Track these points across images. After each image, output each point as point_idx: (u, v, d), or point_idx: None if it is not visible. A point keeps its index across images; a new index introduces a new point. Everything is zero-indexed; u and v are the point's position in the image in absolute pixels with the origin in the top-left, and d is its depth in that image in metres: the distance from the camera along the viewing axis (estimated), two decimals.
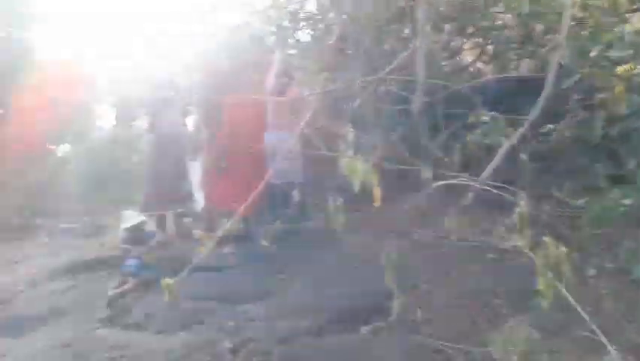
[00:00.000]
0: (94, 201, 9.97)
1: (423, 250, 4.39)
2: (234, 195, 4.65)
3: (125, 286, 4.57)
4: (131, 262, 4.58)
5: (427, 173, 2.98)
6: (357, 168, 2.18)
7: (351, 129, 2.35)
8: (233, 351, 3.32)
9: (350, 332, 3.46)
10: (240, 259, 4.69)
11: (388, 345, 3.21)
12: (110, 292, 4.44)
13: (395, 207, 4.95)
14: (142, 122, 13.68)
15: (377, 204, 2.27)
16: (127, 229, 4.61)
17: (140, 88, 13.02)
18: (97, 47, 12.70)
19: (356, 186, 2.24)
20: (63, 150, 12.27)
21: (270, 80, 4.84)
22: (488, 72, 5.91)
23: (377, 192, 2.24)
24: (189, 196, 5.43)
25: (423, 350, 3.09)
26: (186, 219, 5.59)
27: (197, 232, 5.17)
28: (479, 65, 6.14)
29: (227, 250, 4.84)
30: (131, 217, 4.80)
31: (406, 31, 5.51)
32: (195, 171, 5.27)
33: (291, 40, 6.44)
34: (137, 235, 4.68)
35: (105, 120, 13.37)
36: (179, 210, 5.35)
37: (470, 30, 5.71)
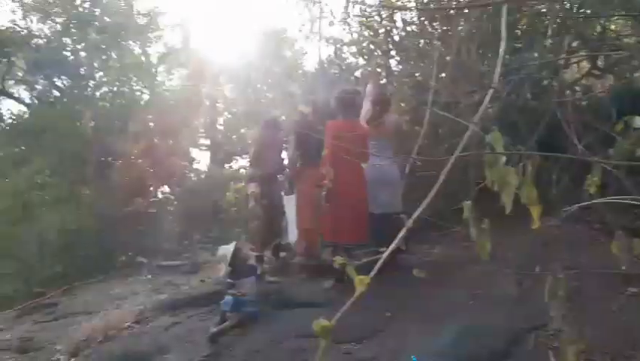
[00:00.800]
0: (192, 240, 10.21)
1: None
2: (336, 227, 4.43)
3: (227, 323, 4.41)
4: (232, 298, 4.42)
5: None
6: (511, 179, 1.75)
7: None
8: None
9: None
10: (344, 296, 4.37)
11: None
12: (212, 329, 4.29)
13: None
14: (235, 164, 14.21)
15: (536, 226, 1.81)
16: (230, 264, 4.49)
17: (236, 129, 13.48)
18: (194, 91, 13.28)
19: (508, 206, 1.79)
20: (163, 191, 12.73)
21: (367, 109, 4.62)
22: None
23: (537, 211, 1.80)
24: (285, 230, 5.28)
25: None
26: (282, 253, 5.40)
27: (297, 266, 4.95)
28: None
29: (326, 284, 4.56)
30: (231, 252, 4.68)
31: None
32: (289, 205, 5.11)
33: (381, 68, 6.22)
34: (239, 270, 4.54)
35: (201, 163, 13.87)
36: (279, 243, 5.19)
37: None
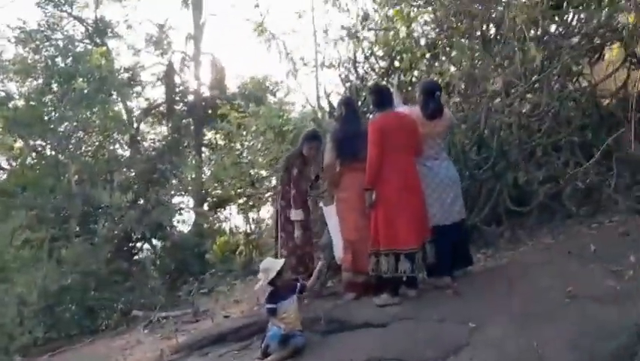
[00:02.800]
0: (186, 290, 9.29)
1: None
2: (391, 232, 3.79)
3: (271, 358, 3.63)
4: (279, 330, 3.66)
5: None
6: None
7: None
8: None
9: None
10: (408, 310, 3.67)
11: None
12: None
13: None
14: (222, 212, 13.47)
15: None
16: (271, 282, 3.74)
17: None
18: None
19: None
20: (150, 243, 11.92)
21: (415, 111, 4.08)
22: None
23: None
24: (329, 246, 4.58)
25: None
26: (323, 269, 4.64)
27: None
28: None
29: (379, 301, 3.83)
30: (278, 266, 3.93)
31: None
32: (331, 217, 4.45)
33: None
34: (280, 291, 3.79)
35: (186, 214, 13.15)
36: (323, 261, 4.49)
37: None
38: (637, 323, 2.91)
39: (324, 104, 6.68)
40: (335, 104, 5.51)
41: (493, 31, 5.56)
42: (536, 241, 4.50)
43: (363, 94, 5.77)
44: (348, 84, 6.19)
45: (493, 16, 5.57)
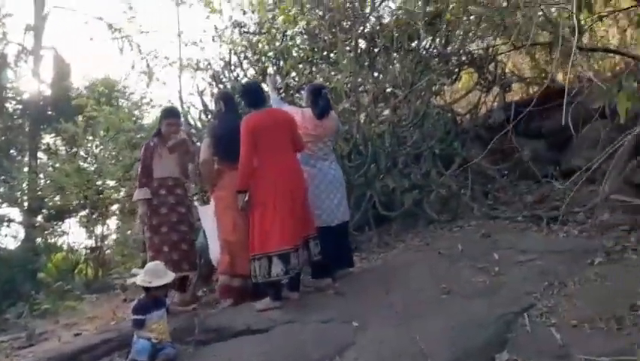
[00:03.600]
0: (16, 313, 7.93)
1: None
2: (274, 232, 3.59)
3: None
4: (148, 343, 3.20)
5: None
6: None
7: None
8: None
9: None
10: (292, 313, 3.48)
11: None
12: None
13: None
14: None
15: None
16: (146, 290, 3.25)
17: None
18: None
19: None
20: None
21: (306, 112, 3.96)
22: None
23: None
24: (204, 248, 4.18)
25: None
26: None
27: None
28: None
29: (259, 305, 3.60)
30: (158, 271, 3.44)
31: None
32: (206, 217, 4.07)
33: None
34: (154, 300, 3.33)
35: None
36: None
37: None
38: (504, 313, 3.12)
39: (197, 102, 6.22)
40: (207, 104, 5.23)
41: (364, 45, 5.79)
42: (406, 243, 4.67)
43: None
44: (221, 86, 5.90)
45: (366, 31, 5.84)
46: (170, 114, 4.33)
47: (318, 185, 3.89)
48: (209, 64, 6.50)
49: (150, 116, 11.64)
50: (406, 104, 5.16)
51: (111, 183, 9.88)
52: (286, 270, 3.52)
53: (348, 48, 5.61)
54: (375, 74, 5.45)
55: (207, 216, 4.06)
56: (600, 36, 6.11)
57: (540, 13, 5.63)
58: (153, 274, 3.35)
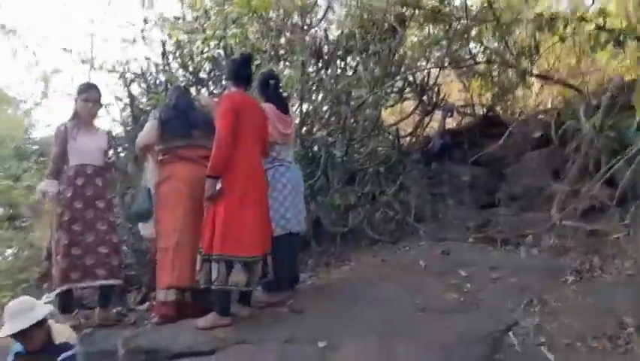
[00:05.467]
0: None
1: None
2: (232, 238, 2.98)
3: None
4: None
5: None
6: None
7: None
8: None
9: None
10: (244, 332, 2.85)
11: None
12: None
13: None
14: None
15: None
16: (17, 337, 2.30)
17: None
18: None
19: None
20: None
21: (268, 107, 3.44)
22: None
23: None
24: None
25: None
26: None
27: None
28: None
29: (202, 323, 2.93)
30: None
31: None
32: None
33: None
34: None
35: None
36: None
37: None
38: (489, 331, 2.81)
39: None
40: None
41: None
42: (358, 260, 4.24)
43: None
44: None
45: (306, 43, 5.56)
46: (85, 89, 3.55)
47: (283, 189, 3.35)
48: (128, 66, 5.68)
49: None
50: (358, 115, 4.89)
51: None
52: (248, 281, 2.94)
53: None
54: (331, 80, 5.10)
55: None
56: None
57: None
58: (12, 315, 2.31)
